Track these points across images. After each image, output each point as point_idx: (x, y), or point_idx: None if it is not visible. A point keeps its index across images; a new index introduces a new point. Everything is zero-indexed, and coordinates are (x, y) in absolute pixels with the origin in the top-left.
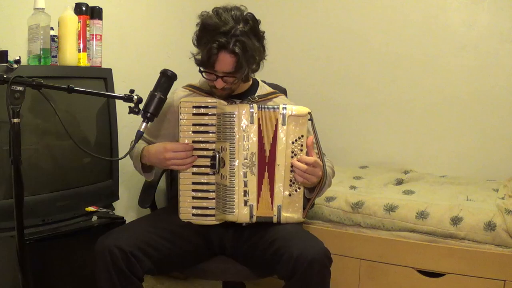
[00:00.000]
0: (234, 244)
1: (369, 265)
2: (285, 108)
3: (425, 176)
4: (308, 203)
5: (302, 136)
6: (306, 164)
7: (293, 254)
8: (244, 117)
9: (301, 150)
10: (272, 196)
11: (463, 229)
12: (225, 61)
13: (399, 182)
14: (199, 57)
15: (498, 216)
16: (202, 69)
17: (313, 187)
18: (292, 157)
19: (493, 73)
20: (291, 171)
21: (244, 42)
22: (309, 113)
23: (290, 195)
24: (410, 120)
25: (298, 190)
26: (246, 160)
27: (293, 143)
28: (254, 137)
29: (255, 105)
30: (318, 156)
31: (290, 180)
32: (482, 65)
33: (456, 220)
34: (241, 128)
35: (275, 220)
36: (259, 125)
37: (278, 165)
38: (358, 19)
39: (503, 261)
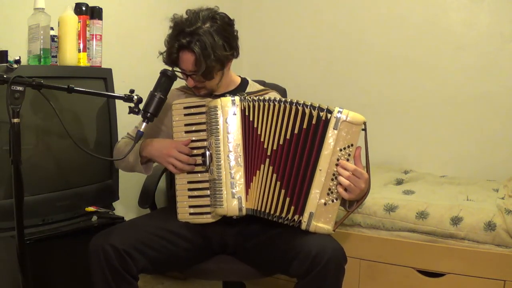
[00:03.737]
0: (238, 242)
1: (369, 265)
2: (341, 111)
3: (425, 176)
4: (343, 216)
5: (352, 145)
6: (350, 171)
7: (311, 252)
8: (227, 110)
9: (348, 160)
10: (303, 200)
11: (463, 229)
12: (186, 60)
13: (399, 182)
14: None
15: (498, 216)
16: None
17: (352, 200)
18: (337, 164)
19: (493, 73)
20: (332, 179)
21: (204, 41)
22: (364, 122)
23: (325, 204)
24: (410, 120)
25: (335, 200)
26: (231, 152)
27: (340, 150)
28: (238, 129)
29: (237, 98)
30: (366, 169)
31: (329, 189)
32: (482, 65)
33: (456, 220)
34: (225, 121)
35: (303, 226)
36: (247, 116)
37: (320, 170)
38: (358, 20)
39: (503, 261)
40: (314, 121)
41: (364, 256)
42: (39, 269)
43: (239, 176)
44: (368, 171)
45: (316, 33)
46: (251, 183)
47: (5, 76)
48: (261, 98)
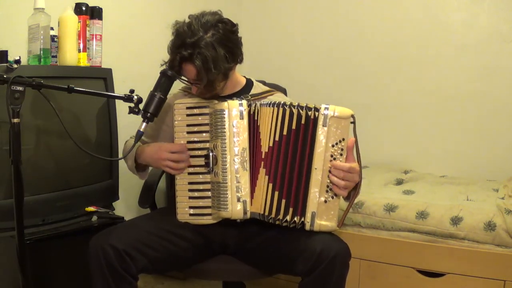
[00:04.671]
0: (240, 242)
1: (369, 265)
2: (327, 108)
3: (425, 176)
4: (345, 211)
5: (343, 139)
6: (343, 170)
7: (316, 249)
8: (234, 113)
9: (341, 155)
10: (305, 201)
11: (463, 229)
12: (188, 71)
13: (399, 182)
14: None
15: (498, 216)
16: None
17: (348, 195)
18: (331, 161)
19: (493, 73)
20: (329, 176)
21: (205, 54)
22: (352, 115)
23: (326, 201)
24: (410, 120)
25: (334, 197)
26: (237, 156)
27: (333, 146)
28: (244, 133)
29: (244, 101)
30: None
31: (327, 186)
32: (482, 65)
33: (456, 220)
34: (232, 124)
35: (307, 227)
36: (253, 121)
37: (316, 168)
38: (358, 20)
39: (503, 261)
40: (303, 121)
41: (364, 256)
42: (39, 269)
43: (245, 180)
44: (359, 161)
45: (316, 33)
46: (255, 187)
47: (5, 76)
48: (265, 102)
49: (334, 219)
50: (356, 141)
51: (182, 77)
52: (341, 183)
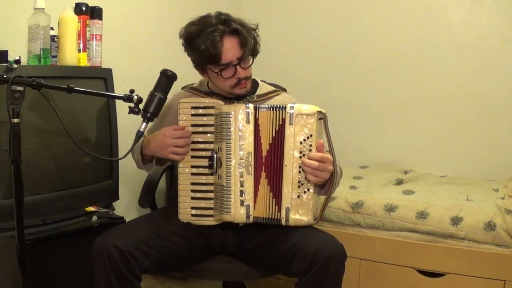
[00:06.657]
0: (238, 243)
1: (369, 265)
2: (292, 107)
3: (425, 176)
4: (322, 204)
5: (311, 135)
6: (316, 160)
7: (311, 250)
8: (240, 117)
9: (310, 150)
10: (280, 197)
11: (463, 229)
12: (232, 45)
13: (399, 182)
14: (202, 58)
15: (498, 216)
16: (216, 68)
17: (324, 185)
18: (300, 157)
19: (493, 73)
20: (300, 171)
21: (235, 19)
22: (320, 112)
23: (299, 196)
24: (410, 120)
25: (307, 191)
26: (242, 160)
27: (301, 143)
28: (250, 137)
29: (251, 105)
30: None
31: (299, 181)
32: (482, 65)
33: (456, 220)
34: (237, 128)
35: (283, 222)
36: (257, 125)
37: (286, 165)
38: (358, 20)
39: (503, 261)
40: (280, 122)
41: (364, 256)
42: (39, 269)
43: (249, 184)
44: (332, 154)
45: (316, 33)
46: (258, 191)
47: (5, 76)
48: (263, 105)
49: (309, 214)
50: (328, 136)
51: (222, 71)
52: (313, 173)
